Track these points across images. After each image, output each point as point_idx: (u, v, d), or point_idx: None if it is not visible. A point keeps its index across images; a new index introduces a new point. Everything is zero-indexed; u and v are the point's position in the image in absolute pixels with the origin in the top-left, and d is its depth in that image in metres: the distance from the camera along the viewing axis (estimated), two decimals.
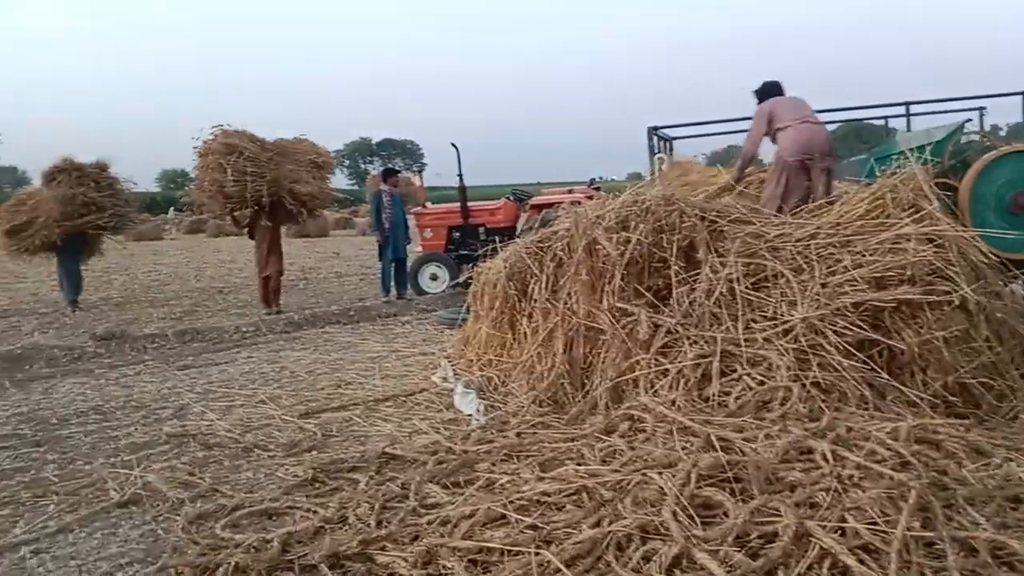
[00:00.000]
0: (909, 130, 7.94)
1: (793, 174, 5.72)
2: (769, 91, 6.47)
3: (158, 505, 3.82)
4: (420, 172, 13.50)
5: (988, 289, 4.52)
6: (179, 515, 3.63)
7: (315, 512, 3.50)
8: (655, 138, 9.15)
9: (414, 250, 12.12)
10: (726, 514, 2.98)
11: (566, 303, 4.98)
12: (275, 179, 9.74)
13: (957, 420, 3.94)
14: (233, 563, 3.01)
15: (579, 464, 3.60)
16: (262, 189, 9.66)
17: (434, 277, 11.82)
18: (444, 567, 2.87)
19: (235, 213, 10.29)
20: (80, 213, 10.98)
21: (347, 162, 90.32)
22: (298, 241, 25.02)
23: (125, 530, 3.56)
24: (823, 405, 3.99)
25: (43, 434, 5.14)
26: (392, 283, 11.22)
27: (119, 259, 20.32)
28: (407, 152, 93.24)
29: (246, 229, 10.50)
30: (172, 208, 31.24)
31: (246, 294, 12.43)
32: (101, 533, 3.54)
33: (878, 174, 5.70)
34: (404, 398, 5.64)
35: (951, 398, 4.27)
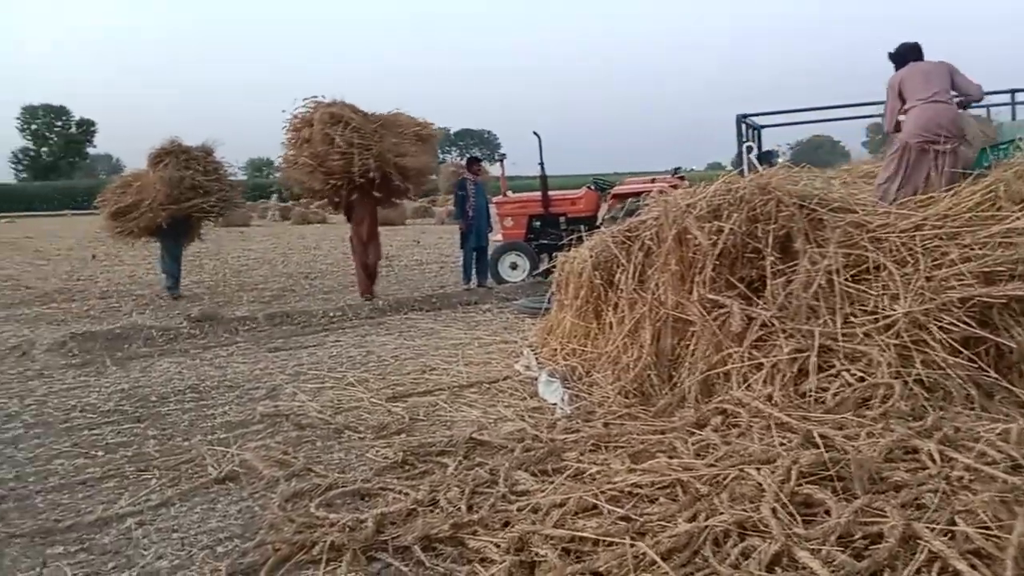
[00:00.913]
0: (1014, 119, 7.56)
1: (914, 158, 5.48)
2: (904, 56, 6.09)
3: (254, 482, 3.92)
4: (502, 161, 13.47)
5: None
6: (275, 493, 3.73)
7: (406, 494, 3.54)
8: (743, 126, 8.94)
9: (494, 239, 12.16)
10: (828, 513, 2.89)
11: (654, 293, 4.91)
12: (381, 152, 9.10)
13: None
14: (329, 541, 3.07)
15: (671, 457, 3.55)
16: (369, 162, 8.97)
17: (514, 266, 11.84)
18: (536, 554, 2.86)
19: (339, 191, 9.63)
20: (187, 196, 10.77)
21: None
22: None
23: (223, 505, 3.67)
24: (926, 404, 3.85)
25: (143, 411, 5.35)
26: (473, 271, 11.29)
27: (209, 244, 21.09)
28: (484, 142, 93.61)
29: (341, 211, 10.22)
30: (274, 195, 31.67)
31: (331, 280, 12.70)
32: (201, 508, 3.66)
33: (986, 165, 5.44)
34: (488, 385, 5.66)
35: None
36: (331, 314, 9.12)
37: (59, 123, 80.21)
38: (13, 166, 79.48)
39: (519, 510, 3.24)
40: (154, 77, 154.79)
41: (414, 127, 9.73)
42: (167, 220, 10.74)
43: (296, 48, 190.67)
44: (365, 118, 9.25)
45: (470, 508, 3.32)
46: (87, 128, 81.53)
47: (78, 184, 64.08)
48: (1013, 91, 7.59)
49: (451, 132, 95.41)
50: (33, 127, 79.47)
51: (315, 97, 9.50)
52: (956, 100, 5.83)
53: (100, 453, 4.48)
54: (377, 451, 4.32)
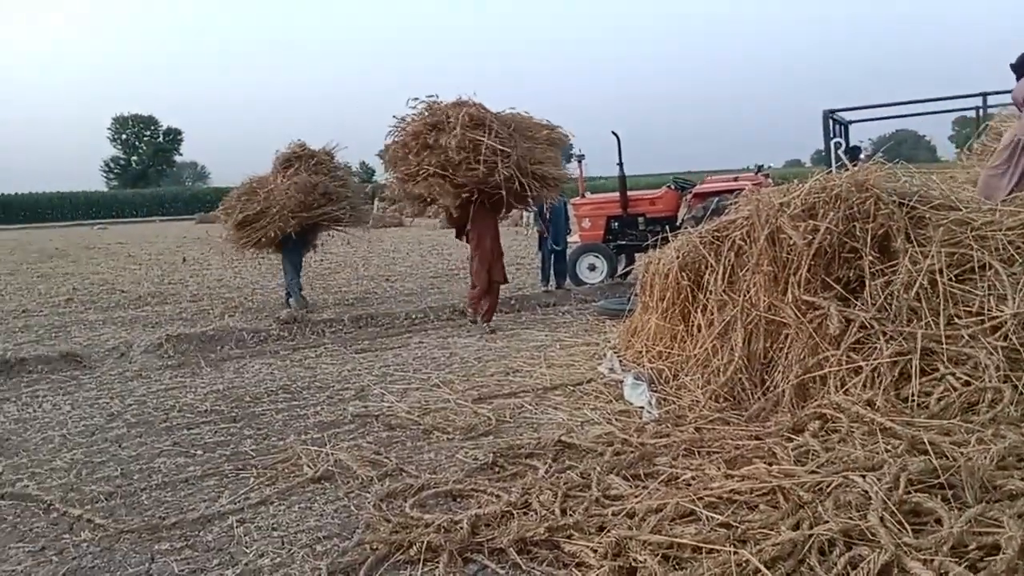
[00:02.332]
0: None
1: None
2: (1021, 69, 5.92)
3: (349, 482, 4.00)
4: (580, 161, 13.41)
5: None
6: (369, 492, 3.80)
7: (499, 496, 3.55)
8: (831, 121, 8.70)
9: (572, 240, 12.11)
10: (939, 522, 2.79)
11: (746, 295, 4.81)
12: (518, 160, 7.83)
13: None
14: (425, 542, 3.11)
15: (770, 463, 3.47)
16: (512, 172, 7.64)
17: (592, 267, 11.77)
18: (635, 560, 2.83)
19: (470, 204, 8.17)
20: (319, 203, 10.07)
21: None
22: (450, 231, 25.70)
23: (320, 504, 3.75)
24: None
25: (238, 411, 5.51)
26: (551, 273, 11.27)
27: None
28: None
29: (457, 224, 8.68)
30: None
31: (411, 282, 12.85)
32: (298, 507, 3.75)
33: None
34: (572, 387, 5.65)
35: None
36: (413, 316, 9.24)
37: (148, 132, 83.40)
38: (104, 174, 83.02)
39: (614, 514, 3.21)
40: (236, 85, 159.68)
41: (544, 130, 8.46)
42: (296, 228, 10.07)
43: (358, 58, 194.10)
44: (500, 120, 8.02)
45: (564, 512, 3.31)
46: (174, 137, 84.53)
47: (166, 191, 66.60)
48: None
49: None
50: (123, 137, 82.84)
51: (432, 97, 8.13)
52: None
53: (200, 452, 4.64)
54: (466, 452, 4.36)
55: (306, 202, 9.94)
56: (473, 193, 7.92)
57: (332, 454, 4.36)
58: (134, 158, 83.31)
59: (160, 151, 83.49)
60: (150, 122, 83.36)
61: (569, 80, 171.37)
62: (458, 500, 3.66)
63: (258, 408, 5.56)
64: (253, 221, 9.99)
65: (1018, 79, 5.89)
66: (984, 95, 8.40)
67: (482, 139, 7.53)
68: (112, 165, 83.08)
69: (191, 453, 4.63)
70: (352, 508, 3.68)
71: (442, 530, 3.22)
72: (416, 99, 8.09)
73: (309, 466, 4.22)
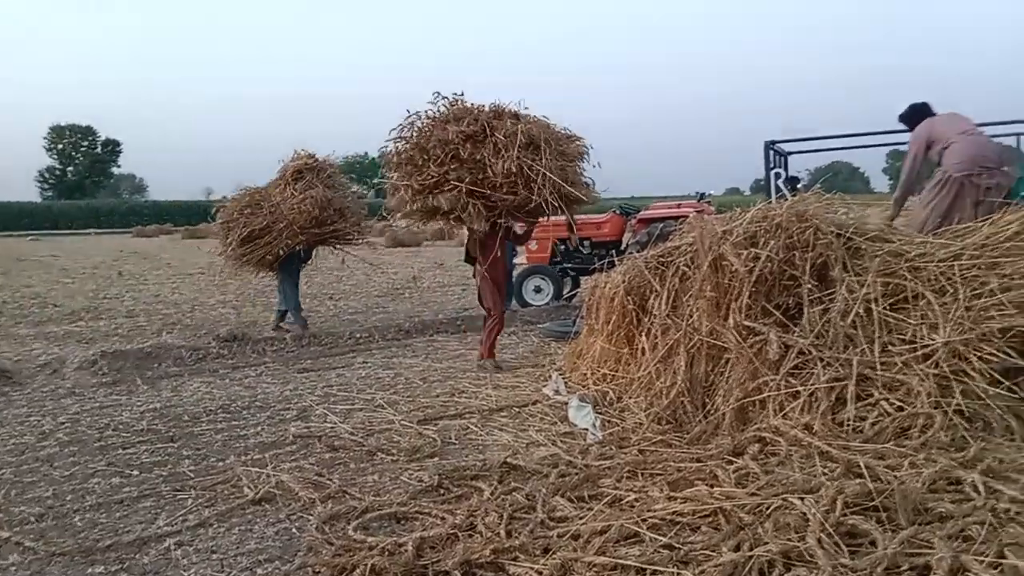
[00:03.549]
0: None
1: (956, 190, 5.51)
2: (921, 112, 6.25)
3: (290, 504, 3.94)
4: None
5: None
6: (311, 515, 3.73)
7: (444, 518, 3.53)
8: (771, 152, 8.94)
9: (519, 262, 12.17)
10: (873, 543, 2.87)
11: (689, 319, 4.90)
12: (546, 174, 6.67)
13: None
14: (369, 565, 3.07)
15: (712, 485, 3.52)
16: (553, 195, 6.58)
17: (538, 289, 11.84)
18: None
19: (495, 223, 7.05)
20: (332, 219, 9.42)
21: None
22: (398, 251, 25.60)
23: (261, 527, 3.68)
24: (967, 434, 3.81)
25: (176, 430, 5.38)
26: None
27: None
28: None
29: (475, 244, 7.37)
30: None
31: (355, 301, 12.75)
32: (238, 529, 3.67)
33: (1023, 195, 5.42)
34: (518, 409, 5.66)
35: None
36: (357, 335, 9.16)
37: (85, 143, 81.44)
38: (39, 184, 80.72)
39: (559, 536, 3.23)
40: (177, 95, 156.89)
41: (572, 142, 7.16)
42: (305, 246, 9.53)
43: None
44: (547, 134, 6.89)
45: (509, 534, 3.31)
46: (112, 148, 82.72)
47: (102, 203, 65.01)
48: None
49: None
50: (60, 147, 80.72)
51: (456, 95, 7.01)
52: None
53: (135, 472, 4.51)
54: (411, 474, 4.33)
55: (320, 218, 9.30)
56: (503, 215, 6.92)
57: (273, 475, 4.28)
58: (70, 169, 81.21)
59: (97, 162, 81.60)
60: (88, 132, 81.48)
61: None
62: (402, 522, 3.63)
63: (197, 428, 5.44)
64: (258, 237, 9.23)
65: (910, 129, 6.21)
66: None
67: (535, 164, 6.51)
68: (47, 175, 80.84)
69: (127, 473, 4.50)
70: (294, 531, 3.62)
71: (386, 553, 3.19)
72: (438, 94, 6.94)
73: (249, 487, 4.13)
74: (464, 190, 6.55)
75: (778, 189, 8.30)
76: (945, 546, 2.75)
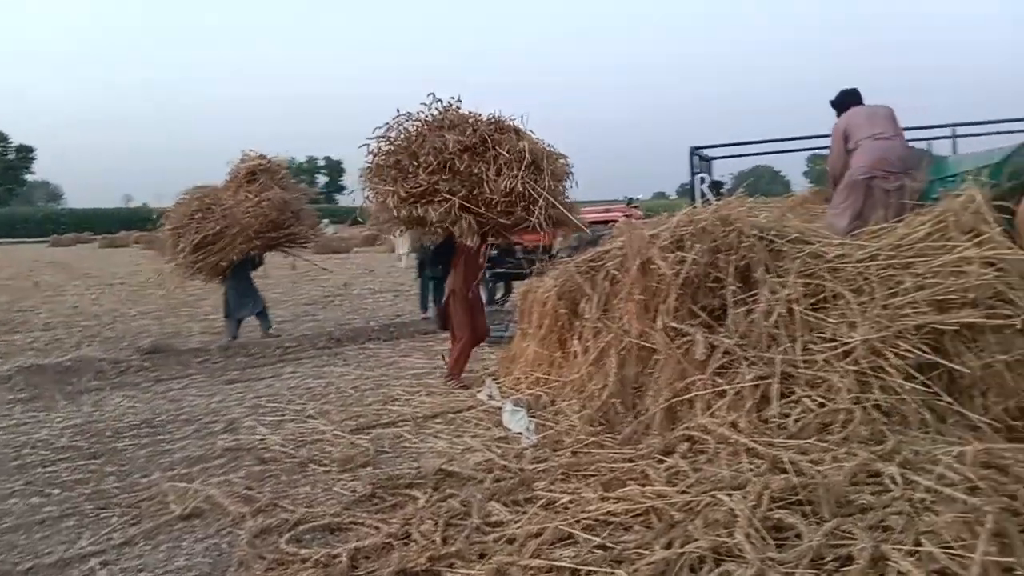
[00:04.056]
0: (955, 152, 7.86)
1: (862, 192, 5.70)
2: (845, 102, 6.39)
3: (220, 519, 3.85)
4: None
5: None
6: (242, 529, 3.66)
7: (379, 528, 3.51)
8: (696, 157, 9.14)
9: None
10: (799, 536, 2.96)
11: (619, 322, 4.98)
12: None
13: (1020, 444, 3.88)
14: None
15: (643, 485, 3.59)
16: (548, 215, 6.21)
17: None
18: None
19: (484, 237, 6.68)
20: (289, 222, 9.18)
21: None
22: (328, 257, 25.28)
23: (189, 543, 3.59)
24: (885, 428, 3.96)
25: (99, 446, 5.20)
26: (431, 300, 11.25)
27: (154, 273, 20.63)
28: None
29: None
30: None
31: (283, 309, 12.52)
32: (166, 546, 3.58)
33: (934, 197, 5.65)
34: (452, 415, 5.65)
35: (1012, 422, 4.20)
36: (286, 344, 9.02)
37: None
38: None
39: (495, 541, 3.25)
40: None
41: (558, 160, 6.73)
42: (260, 251, 9.23)
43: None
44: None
45: (445, 540, 3.31)
46: (26, 155, 79.55)
47: (16, 212, 62.47)
48: (954, 126, 7.92)
49: None
50: None
51: (453, 100, 6.60)
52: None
53: (56, 491, 4.35)
54: (344, 484, 4.28)
55: (277, 221, 9.02)
56: (492, 233, 6.61)
57: (201, 490, 4.17)
58: None
59: (10, 169, 78.31)
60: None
61: None
62: (336, 533, 3.59)
63: (120, 443, 5.27)
64: (211, 243, 8.85)
65: (838, 115, 6.36)
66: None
67: (537, 185, 6.18)
68: None
69: (47, 492, 4.33)
70: (224, 546, 3.54)
71: (320, 565, 3.16)
72: (433, 96, 6.55)
73: (176, 503, 4.02)
74: (456, 204, 6.14)
75: (703, 194, 8.49)
76: (866, 536, 2.85)
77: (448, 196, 6.15)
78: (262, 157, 9.51)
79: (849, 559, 2.79)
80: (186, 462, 4.79)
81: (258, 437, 5.26)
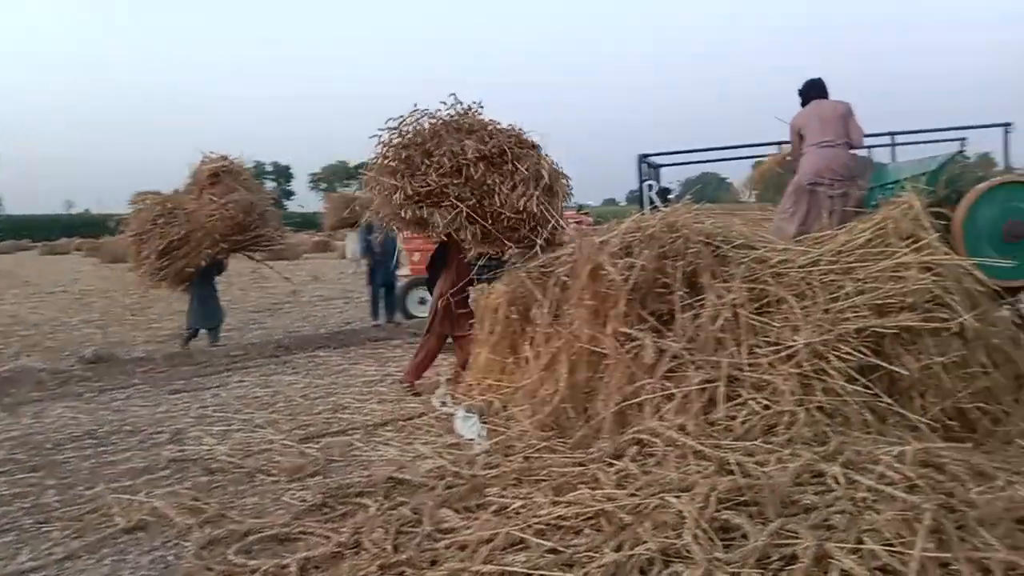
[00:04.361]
0: (894, 160, 8.10)
1: (807, 198, 5.83)
2: (808, 94, 6.47)
3: (166, 531, 3.77)
4: None
5: (984, 316, 4.61)
6: (188, 541, 3.60)
7: (329, 537, 3.48)
8: (644, 165, 9.25)
9: (402, 274, 12.11)
10: (745, 537, 3.01)
11: (569, 328, 5.02)
12: None
13: (957, 444, 4.02)
14: None
15: (593, 488, 3.61)
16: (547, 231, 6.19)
17: (423, 301, 11.77)
18: None
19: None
20: (256, 225, 9.00)
21: (324, 185, 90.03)
22: (276, 264, 24.96)
23: (135, 556, 3.52)
24: (828, 429, 4.06)
25: (39, 459, 5.06)
26: (382, 307, 11.20)
27: (97, 280, 20.19)
28: None
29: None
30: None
31: (230, 317, 12.30)
32: (110, 560, 3.50)
33: (874, 203, 5.82)
34: (403, 423, 5.63)
35: (949, 422, 4.35)
36: (233, 353, 8.89)
37: None
38: None
39: (446, 548, 3.24)
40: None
41: (559, 177, 6.69)
42: (226, 255, 9.04)
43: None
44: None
45: (396, 548, 3.29)
46: None
47: None
48: (892, 134, 8.15)
49: (350, 165, 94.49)
50: None
51: (475, 104, 6.43)
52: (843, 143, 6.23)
53: None
54: (293, 494, 4.23)
55: (243, 223, 8.79)
56: (495, 245, 6.43)
57: (146, 502, 4.09)
58: None
59: None
60: None
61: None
62: (285, 544, 3.54)
63: (61, 456, 5.13)
64: (175, 248, 8.63)
65: (803, 104, 6.49)
66: (780, 144, 9.25)
67: (551, 207, 6.11)
68: None
69: None
70: (170, 558, 3.47)
71: (269, 575, 3.12)
72: (454, 96, 6.39)
73: (121, 516, 3.93)
74: (464, 212, 6.04)
75: (651, 200, 8.60)
76: (810, 536, 2.92)
77: (456, 203, 6.02)
78: (224, 158, 9.32)
79: (794, 558, 2.85)
80: (130, 474, 4.68)
81: (205, 447, 5.17)
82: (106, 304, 15.01)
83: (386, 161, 6.24)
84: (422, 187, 6.05)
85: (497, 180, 6.09)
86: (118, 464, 4.90)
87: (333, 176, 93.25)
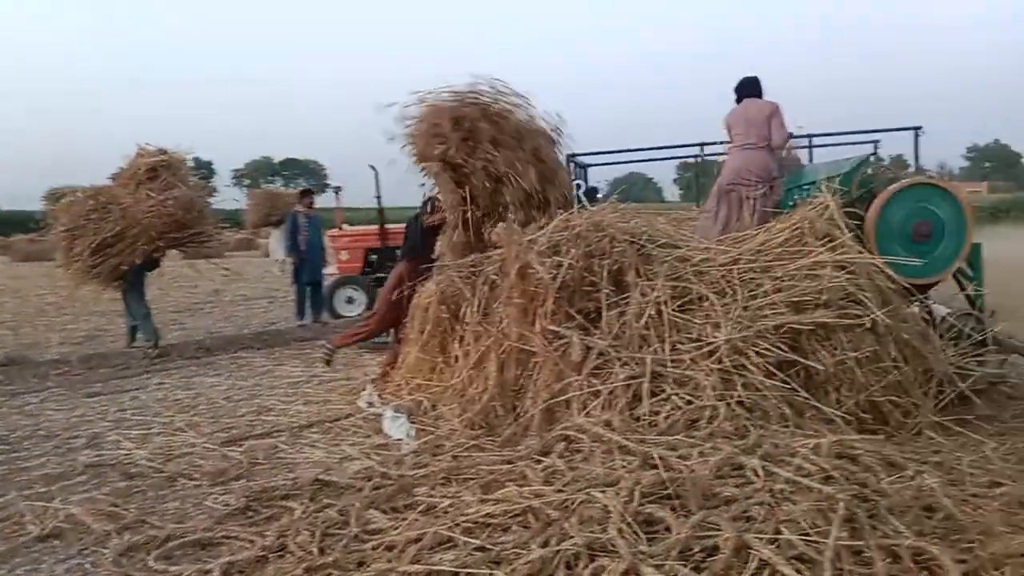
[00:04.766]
0: (811, 161, 8.39)
1: (727, 199, 5.98)
2: (741, 92, 6.57)
3: (82, 538, 3.65)
4: (337, 192, 13.34)
5: (895, 313, 4.82)
6: (107, 548, 3.49)
7: (253, 541, 3.42)
8: (572, 164, 9.36)
9: (329, 272, 11.96)
10: (669, 529, 3.08)
11: (499, 326, 5.05)
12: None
13: (870, 436, 4.20)
14: None
15: (521, 485, 3.64)
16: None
17: (350, 300, 11.68)
18: None
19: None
20: (196, 222, 8.73)
21: (247, 182, 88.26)
22: (199, 262, 24.33)
23: (49, 565, 3.40)
24: (748, 423, 4.18)
25: None
26: (308, 306, 11.04)
27: (8, 280, 19.35)
28: (311, 172, 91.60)
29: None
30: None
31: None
32: (23, 569, 3.37)
33: (791, 204, 6.02)
34: (330, 424, 5.58)
35: (863, 415, 4.55)
36: (152, 354, 8.64)
37: None
38: None
39: (373, 549, 3.22)
40: None
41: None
42: (163, 253, 8.76)
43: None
44: None
45: (322, 551, 3.26)
46: None
47: None
48: (810, 136, 8.44)
49: (275, 161, 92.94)
50: None
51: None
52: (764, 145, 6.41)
53: None
54: (216, 498, 4.15)
55: (183, 220, 8.50)
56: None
57: (62, 508, 3.95)
58: None
59: None
60: None
61: (321, 114, 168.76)
62: (208, 549, 3.47)
63: None
64: (110, 245, 8.26)
65: (738, 101, 6.62)
66: (702, 144, 9.47)
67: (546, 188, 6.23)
68: None
69: None
70: (87, 566, 3.36)
71: None
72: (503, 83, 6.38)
73: (34, 523, 3.79)
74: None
75: (579, 199, 8.71)
76: (730, 527, 2.99)
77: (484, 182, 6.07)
78: (163, 152, 8.99)
79: (715, 549, 2.92)
80: (45, 480, 4.52)
81: (123, 452, 5.03)
82: (18, 304, 14.40)
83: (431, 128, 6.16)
84: (463, 160, 6.08)
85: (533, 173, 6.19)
86: (32, 470, 4.72)
87: (256, 172, 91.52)
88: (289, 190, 20.39)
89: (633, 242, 5.08)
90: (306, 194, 11.79)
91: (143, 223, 8.35)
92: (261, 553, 3.27)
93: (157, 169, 8.77)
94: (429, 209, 6.59)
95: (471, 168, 6.07)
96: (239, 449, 5.00)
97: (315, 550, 3.25)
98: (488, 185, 6.10)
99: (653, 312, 4.73)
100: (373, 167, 11.80)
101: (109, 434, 5.49)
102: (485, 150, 6.05)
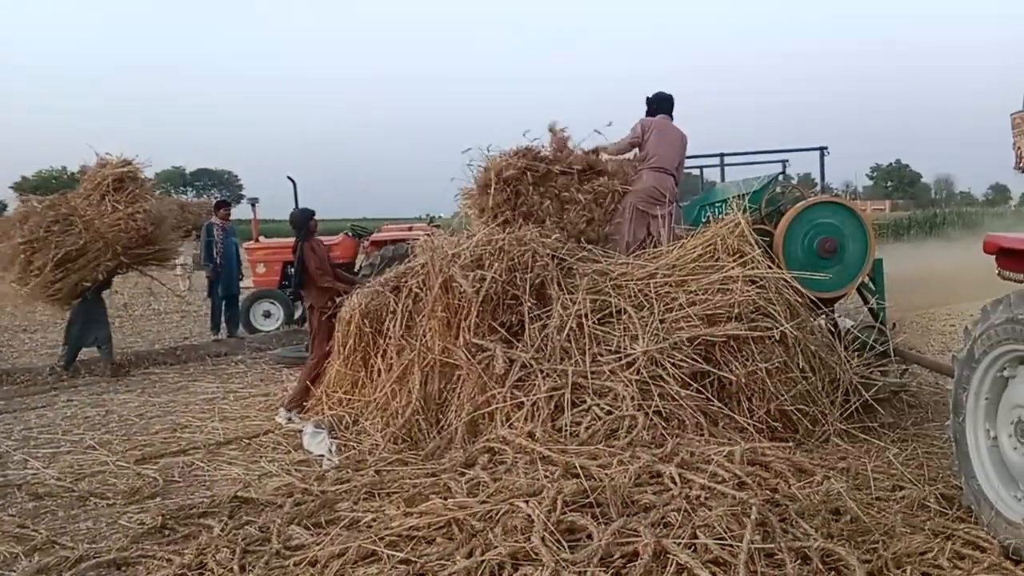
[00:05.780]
0: (724, 180, 8.67)
1: (637, 216, 6.11)
2: (658, 105, 6.55)
3: None
4: (253, 205, 13.07)
5: (802, 325, 5.04)
6: (14, 571, 3.37)
7: (170, 560, 3.37)
8: None
9: (245, 286, 11.71)
10: (590, 537, 3.15)
11: (422, 339, 5.06)
12: None
13: (780, 443, 4.38)
14: None
15: (445, 497, 3.67)
16: None
17: (267, 314, 11.46)
18: None
19: None
20: (164, 237, 8.33)
21: (159, 192, 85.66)
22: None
23: None
24: (665, 432, 4.31)
25: None
26: (223, 320, 10.78)
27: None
28: (224, 183, 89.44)
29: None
30: None
31: (55, 333, 11.47)
32: None
33: (704, 220, 6.22)
34: (248, 440, 5.49)
35: (773, 423, 4.74)
36: (59, 371, 8.29)
37: None
38: None
39: (296, 565, 3.21)
40: None
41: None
42: (125, 270, 8.32)
43: None
44: None
45: (243, 568, 3.23)
46: None
47: None
48: (722, 155, 8.72)
49: (186, 172, 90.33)
50: None
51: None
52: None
53: None
54: (130, 517, 4.05)
55: (150, 235, 8.04)
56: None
57: None
58: None
59: None
60: None
61: (246, 127, 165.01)
62: (124, 569, 3.40)
63: None
64: (71, 260, 7.74)
65: (648, 114, 6.63)
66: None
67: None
68: None
69: None
70: None
71: None
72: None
73: None
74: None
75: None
76: (649, 533, 3.09)
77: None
78: (127, 162, 8.42)
79: (635, 555, 3.01)
80: None
81: (30, 471, 4.86)
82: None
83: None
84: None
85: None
86: None
87: (168, 182, 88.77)
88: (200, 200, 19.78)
89: (554, 256, 5.18)
90: (222, 205, 11.53)
91: (108, 237, 7.91)
92: (179, 572, 3.23)
93: (124, 180, 8.25)
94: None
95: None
96: (154, 467, 4.89)
97: (236, 567, 3.22)
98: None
99: (574, 325, 4.83)
100: (291, 178, 11.67)
101: (15, 453, 5.29)
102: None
